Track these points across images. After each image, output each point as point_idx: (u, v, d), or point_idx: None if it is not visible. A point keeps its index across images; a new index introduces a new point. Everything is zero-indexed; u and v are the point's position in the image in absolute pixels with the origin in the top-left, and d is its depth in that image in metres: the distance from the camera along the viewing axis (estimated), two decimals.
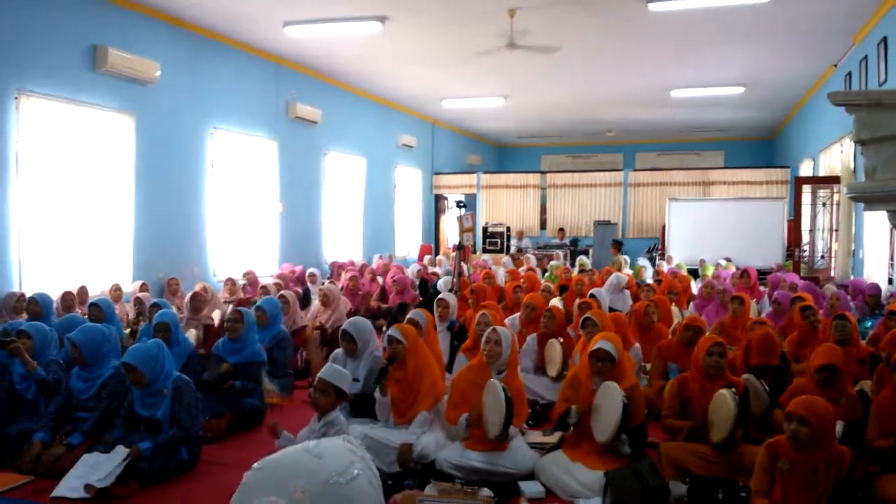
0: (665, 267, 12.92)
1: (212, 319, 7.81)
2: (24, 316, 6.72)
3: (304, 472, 1.00)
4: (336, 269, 12.21)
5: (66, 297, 7.43)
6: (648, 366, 6.17)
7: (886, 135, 1.75)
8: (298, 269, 11.55)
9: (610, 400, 4.29)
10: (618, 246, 14.91)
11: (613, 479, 4.04)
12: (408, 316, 5.93)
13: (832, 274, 11.99)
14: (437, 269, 13.37)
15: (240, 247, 10.90)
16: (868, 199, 1.91)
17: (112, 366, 4.95)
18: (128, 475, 4.29)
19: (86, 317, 6.43)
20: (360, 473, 1.03)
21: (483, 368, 4.76)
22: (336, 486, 1.00)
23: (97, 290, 8.16)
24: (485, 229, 17.49)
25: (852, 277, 10.17)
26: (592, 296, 7.86)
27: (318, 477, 0.99)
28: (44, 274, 7.77)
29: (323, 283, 9.78)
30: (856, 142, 1.80)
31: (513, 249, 17.03)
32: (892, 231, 8.91)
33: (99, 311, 6.46)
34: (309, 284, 10.45)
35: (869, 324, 7.27)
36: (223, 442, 5.25)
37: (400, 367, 4.84)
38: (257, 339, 6.00)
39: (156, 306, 6.60)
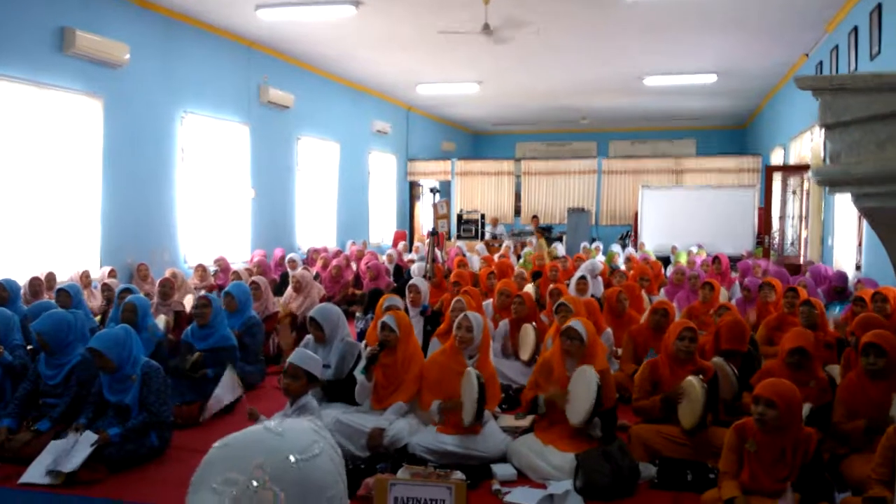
0: (636, 254, 13.02)
1: (182, 305, 7.74)
2: None
3: (264, 449, 0.99)
4: (311, 256, 12.14)
5: (34, 282, 7.32)
6: (619, 350, 6.23)
7: (851, 119, 1.77)
8: (279, 252, 11.48)
9: (584, 384, 4.32)
10: (542, 231, 15.17)
11: (584, 461, 4.08)
12: (384, 302, 5.92)
13: (802, 261, 12.15)
14: (413, 256, 13.36)
15: (211, 233, 10.78)
16: (833, 182, 1.93)
17: (79, 352, 4.88)
18: (96, 460, 4.26)
19: (55, 302, 6.34)
20: (322, 452, 1.02)
21: (455, 353, 4.79)
22: (297, 463, 0.99)
23: (65, 276, 8.04)
24: (459, 216, 17.49)
25: (817, 264, 10.32)
26: (583, 278, 8.02)
27: (279, 454, 0.99)
28: (10, 260, 7.64)
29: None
30: (821, 126, 1.82)
31: (487, 236, 17.05)
32: (860, 218, 9.04)
33: (67, 296, 6.39)
34: (288, 270, 10.38)
35: (837, 309, 7.38)
36: (194, 428, 5.21)
37: (389, 355, 4.86)
38: (227, 325, 5.96)
39: (127, 291, 6.52)
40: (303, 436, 1.03)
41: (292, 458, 0.99)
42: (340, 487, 1.04)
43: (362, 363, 4.81)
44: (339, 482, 1.04)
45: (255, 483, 0.95)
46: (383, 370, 4.84)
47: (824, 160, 10.39)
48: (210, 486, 0.97)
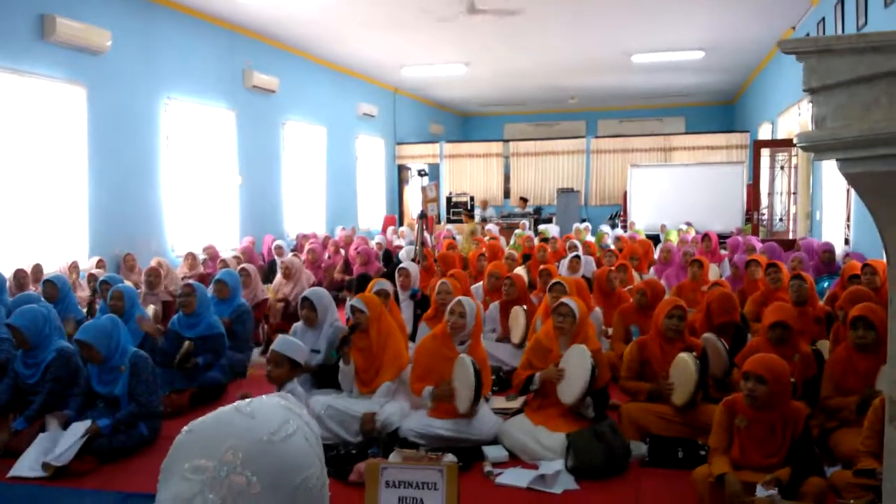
0: (622, 233, 13.03)
1: (170, 295, 7.68)
2: None
3: (235, 432, 0.95)
4: (300, 242, 12.08)
5: (19, 274, 7.23)
6: (610, 330, 6.23)
7: (836, 82, 1.73)
8: (269, 239, 11.42)
9: (578, 363, 4.31)
10: (469, 214, 15.13)
11: (576, 440, 4.08)
12: (374, 287, 5.89)
13: (791, 237, 12.18)
14: (401, 241, 13.32)
15: (199, 220, 10.71)
16: (818, 147, 1.89)
17: (55, 347, 4.81)
18: (86, 452, 4.24)
19: (41, 294, 6.28)
20: (296, 430, 0.98)
21: (446, 338, 4.74)
22: (269, 444, 0.95)
23: (52, 267, 7.96)
24: (448, 199, 17.43)
25: (808, 238, 10.33)
26: (577, 257, 8.06)
27: (251, 436, 0.95)
28: None
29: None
30: (805, 89, 1.78)
31: (477, 219, 17.00)
32: (848, 192, 9.04)
33: (53, 288, 6.30)
34: (276, 257, 10.32)
35: (826, 284, 7.39)
36: (184, 417, 5.18)
37: (363, 337, 4.80)
38: (213, 312, 5.92)
39: (105, 283, 6.39)
40: (274, 414, 0.99)
41: (269, 438, 0.95)
42: (318, 466, 0.99)
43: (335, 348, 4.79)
44: (315, 462, 0.99)
45: (225, 468, 0.92)
46: (361, 353, 4.79)
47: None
48: (180, 474, 0.94)
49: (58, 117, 8.27)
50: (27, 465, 4.18)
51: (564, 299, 4.68)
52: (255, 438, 0.95)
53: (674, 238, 12.11)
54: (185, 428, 0.99)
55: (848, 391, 4.13)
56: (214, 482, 0.92)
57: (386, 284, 5.97)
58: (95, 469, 4.25)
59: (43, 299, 5.93)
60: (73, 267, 8.07)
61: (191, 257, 9.54)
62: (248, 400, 1.01)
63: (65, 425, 4.37)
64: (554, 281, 5.96)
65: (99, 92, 8.75)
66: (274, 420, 0.98)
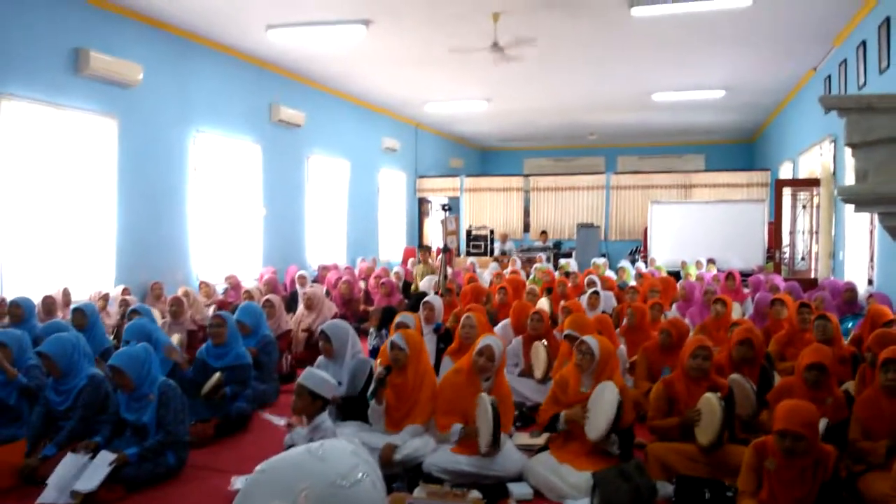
0: (644, 268, 13.01)
1: (195, 324, 7.76)
2: (6, 320, 6.64)
3: (307, 475, 0.98)
4: (321, 273, 12.17)
5: (47, 300, 7.35)
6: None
7: (877, 138, 1.78)
8: (293, 270, 11.52)
9: (604, 398, 4.31)
10: (426, 248, 14.37)
11: (601, 479, 4.06)
12: (396, 319, 5.92)
13: (812, 276, 12.11)
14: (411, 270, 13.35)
15: (223, 251, 10.83)
16: (860, 201, 1.93)
17: (86, 374, 4.88)
18: (114, 480, 4.27)
19: (69, 321, 6.36)
20: (365, 476, 1.02)
21: (471, 374, 4.74)
22: (340, 488, 0.98)
23: (81, 295, 8.08)
24: (468, 232, 17.50)
25: (831, 279, 10.28)
26: (596, 293, 8.06)
27: (323, 480, 0.98)
28: (25, 278, 7.69)
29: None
30: (847, 145, 1.82)
31: (496, 252, 17.05)
32: (871, 233, 9.02)
33: (82, 316, 6.37)
34: (298, 287, 10.40)
35: (850, 324, 7.34)
36: (210, 446, 5.21)
37: (399, 375, 4.78)
38: (242, 343, 5.97)
39: (135, 312, 6.49)
40: (345, 460, 1.02)
41: (340, 483, 0.99)
42: None
43: (372, 386, 4.76)
44: None
45: None
46: (394, 391, 4.76)
47: (834, 175, 10.37)
48: None
49: (90, 148, 8.45)
50: (54, 491, 4.22)
51: (585, 337, 4.70)
52: (327, 482, 0.98)
53: (693, 273, 12.08)
54: (258, 468, 1.03)
55: (875, 434, 4.10)
56: None
57: (410, 318, 6.00)
58: (123, 498, 4.28)
59: (70, 326, 6.02)
60: (103, 298, 8.18)
61: (205, 286, 9.64)
62: (319, 443, 1.05)
63: (95, 451, 4.40)
64: (567, 333, 5.94)
65: (130, 124, 8.94)
66: (344, 465, 1.01)
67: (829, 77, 10.81)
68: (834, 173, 10.48)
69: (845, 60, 9.72)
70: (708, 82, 13.10)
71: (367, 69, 12.26)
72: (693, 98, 14.25)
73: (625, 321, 7.18)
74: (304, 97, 12.90)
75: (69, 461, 4.34)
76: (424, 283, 10.57)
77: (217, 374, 5.50)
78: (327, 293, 10.12)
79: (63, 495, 4.16)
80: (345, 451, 1.05)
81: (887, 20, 7.78)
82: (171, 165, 9.75)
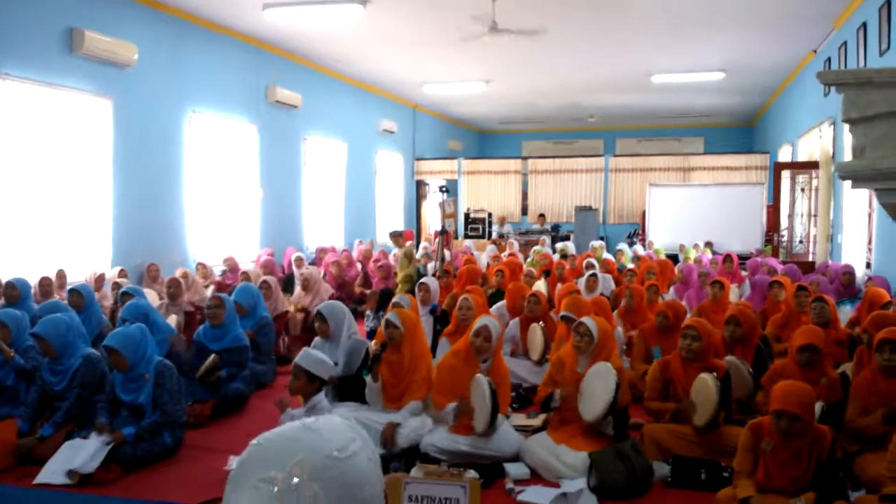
0: (641, 251, 13.01)
1: (192, 306, 7.75)
2: (1, 301, 6.63)
3: (302, 447, 0.99)
4: (319, 255, 12.16)
5: (44, 282, 7.33)
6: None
7: (875, 113, 1.76)
8: (291, 251, 11.51)
9: (601, 379, 4.32)
10: (397, 234, 14.17)
11: (598, 459, 4.08)
12: (393, 301, 5.92)
13: (810, 259, 12.12)
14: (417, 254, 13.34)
15: (220, 232, 10.80)
16: (857, 177, 1.92)
17: (81, 354, 4.89)
18: (110, 460, 4.28)
19: (66, 302, 6.35)
20: (360, 450, 1.02)
21: (468, 355, 4.75)
22: (335, 460, 0.99)
23: (77, 276, 8.06)
24: (466, 215, 17.47)
25: (829, 262, 10.29)
26: (594, 275, 8.21)
27: (318, 452, 0.98)
28: (21, 260, 7.65)
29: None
30: (844, 121, 1.80)
31: (494, 235, 17.03)
32: (870, 216, 9.01)
33: (79, 297, 6.37)
34: (294, 269, 10.39)
35: (848, 307, 7.35)
36: (207, 427, 5.22)
37: (395, 352, 4.81)
38: (239, 325, 5.97)
39: (127, 294, 6.48)
40: (340, 433, 1.03)
41: (334, 454, 0.99)
42: (378, 487, 1.03)
43: (368, 363, 4.79)
44: (377, 481, 1.03)
45: (295, 480, 0.95)
46: (390, 368, 4.79)
47: (833, 157, 10.35)
48: (250, 484, 0.97)
49: (84, 129, 8.39)
50: (53, 472, 4.23)
51: (584, 319, 4.70)
52: (322, 454, 0.98)
53: (692, 257, 12.08)
54: (254, 441, 1.03)
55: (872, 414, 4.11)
56: (284, 493, 0.95)
57: (406, 299, 6.00)
58: (120, 477, 4.29)
59: (67, 307, 6.01)
60: (99, 279, 8.16)
61: (201, 267, 9.62)
62: (314, 418, 1.05)
63: (99, 431, 4.41)
64: (563, 313, 5.94)
65: (125, 105, 8.87)
66: (339, 438, 1.02)
67: (829, 59, 10.75)
68: (833, 156, 10.45)
69: (845, 42, 9.67)
70: (707, 64, 13.03)
71: (364, 50, 12.18)
72: (692, 80, 14.18)
73: (622, 303, 7.20)
74: (301, 78, 12.82)
75: (69, 444, 4.36)
76: (431, 266, 10.52)
77: (212, 356, 5.50)
78: (324, 275, 10.11)
79: (60, 475, 4.18)
80: (340, 425, 1.05)
81: (888, 2, 7.73)
82: (166, 146, 9.69)
